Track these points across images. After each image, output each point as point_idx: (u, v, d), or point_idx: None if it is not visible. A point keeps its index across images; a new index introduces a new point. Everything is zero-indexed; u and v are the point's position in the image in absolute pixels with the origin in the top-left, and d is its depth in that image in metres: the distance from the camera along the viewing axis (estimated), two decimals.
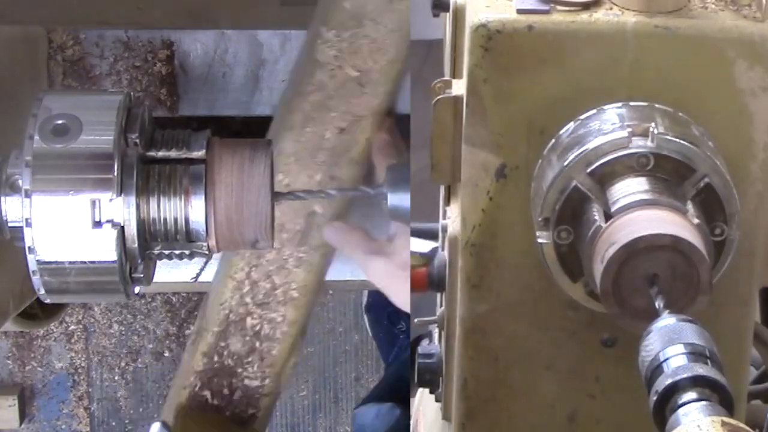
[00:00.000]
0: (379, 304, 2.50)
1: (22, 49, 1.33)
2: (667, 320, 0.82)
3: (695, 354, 0.78)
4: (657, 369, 0.79)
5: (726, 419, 0.71)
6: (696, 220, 0.90)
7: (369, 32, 1.28)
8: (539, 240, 0.96)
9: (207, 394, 1.36)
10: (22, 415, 2.63)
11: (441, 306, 1.21)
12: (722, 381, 0.76)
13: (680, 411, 0.75)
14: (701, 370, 0.77)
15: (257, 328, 1.34)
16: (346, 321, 2.60)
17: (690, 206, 0.92)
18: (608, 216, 0.91)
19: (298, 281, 1.33)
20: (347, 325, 2.60)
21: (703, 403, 0.74)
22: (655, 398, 0.77)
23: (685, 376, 0.76)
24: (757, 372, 1.36)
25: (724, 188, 0.93)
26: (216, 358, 1.35)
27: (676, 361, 0.78)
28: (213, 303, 1.35)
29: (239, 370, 1.35)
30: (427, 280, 1.13)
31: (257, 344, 1.35)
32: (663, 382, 0.77)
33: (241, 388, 1.35)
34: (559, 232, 0.95)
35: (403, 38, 1.29)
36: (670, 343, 0.80)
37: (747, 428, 0.71)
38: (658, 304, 0.86)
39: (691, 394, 0.75)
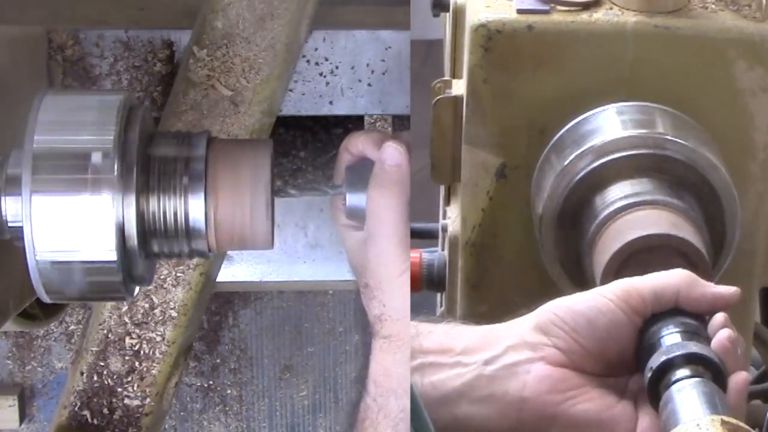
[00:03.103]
0: None
1: (22, 49, 1.33)
2: None
3: (689, 332, 0.79)
4: (651, 347, 0.80)
5: (725, 418, 0.72)
6: (696, 220, 0.90)
7: (241, 51, 1.28)
8: (539, 239, 0.96)
9: (87, 413, 1.37)
10: (22, 415, 2.63)
11: (441, 306, 1.21)
12: (715, 358, 0.77)
13: (674, 387, 0.76)
14: (695, 347, 0.78)
15: (136, 347, 1.35)
16: (346, 321, 2.60)
17: (690, 206, 0.92)
18: (608, 216, 0.91)
19: (176, 300, 1.34)
20: (347, 325, 2.60)
21: (696, 379, 0.76)
22: (649, 375, 0.78)
23: (678, 353, 0.77)
24: (757, 372, 1.36)
25: (724, 188, 0.93)
26: (95, 378, 1.36)
27: (670, 339, 0.79)
28: (93, 323, 1.37)
29: (119, 389, 1.36)
30: (426, 280, 1.13)
31: (137, 364, 1.36)
32: (657, 359, 0.78)
33: (121, 407, 1.37)
34: (559, 232, 0.95)
35: (276, 57, 1.28)
36: (664, 324, 0.81)
37: (747, 427, 0.72)
38: None
39: (684, 371, 0.76)
